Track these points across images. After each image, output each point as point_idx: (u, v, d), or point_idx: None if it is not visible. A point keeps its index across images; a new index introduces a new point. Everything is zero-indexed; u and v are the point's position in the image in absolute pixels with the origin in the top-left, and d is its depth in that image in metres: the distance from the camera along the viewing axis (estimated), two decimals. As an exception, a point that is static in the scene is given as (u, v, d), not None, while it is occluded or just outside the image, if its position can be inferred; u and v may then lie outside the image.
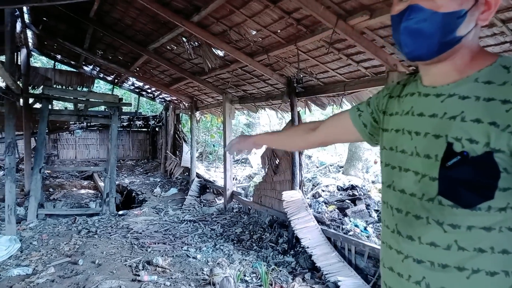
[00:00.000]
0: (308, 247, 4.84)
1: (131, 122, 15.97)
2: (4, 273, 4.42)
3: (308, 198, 6.51)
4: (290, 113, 5.89)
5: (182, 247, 5.52)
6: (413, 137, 0.94)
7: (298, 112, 5.86)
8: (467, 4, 0.83)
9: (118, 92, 12.96)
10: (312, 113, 6.02)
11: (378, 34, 3.62)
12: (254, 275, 4.53)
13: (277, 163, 6.49)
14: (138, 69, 9.22)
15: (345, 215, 5.78)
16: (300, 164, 5.80)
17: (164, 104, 12.86)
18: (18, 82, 6.82)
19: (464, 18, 0.83)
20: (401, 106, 1.03)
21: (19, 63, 8.47)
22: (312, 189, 7.75)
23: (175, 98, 10.93)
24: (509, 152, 0.79)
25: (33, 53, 10.70)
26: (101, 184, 9.78)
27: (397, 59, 3.79)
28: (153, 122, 15.77)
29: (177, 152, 11.93)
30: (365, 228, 5.23)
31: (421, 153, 0.91)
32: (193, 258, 5.06)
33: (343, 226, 5.26)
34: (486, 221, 0.83)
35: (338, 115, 1.39)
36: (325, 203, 6.42)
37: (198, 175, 10.12)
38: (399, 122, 1.01)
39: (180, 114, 12.44)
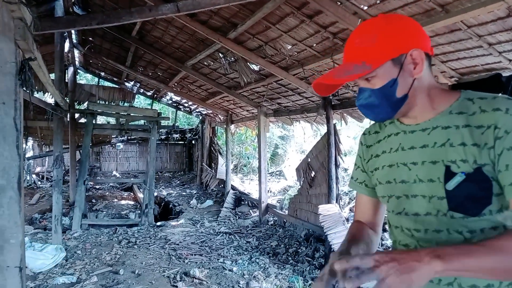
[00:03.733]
0: (345, 263, 4.72)
1: (169, 135, 16.46)
2: (50, 281, 4.64)
3: (345, 212, 6.38)
4: (325, 125, 5.85)
5: (218, 259, 5.56)
6: (410, 167, 1.10)
7: (334, 125, 5.80)
8: (394, 74, 1.01)
9: (156, 106, 13.44)
10: (348, 126, 5.95)
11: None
12: (291, 290, 4.48)
13: (312, 175, 6.43)
14: (176, 84, 9.54)
15: (385, 230, 5.59)
16: (337, 177, 5.71)
17: (200, 117, 13.16)
18: (66, 99, 7.23)
19: (396, 83, 1.02)
20: (386, 146, 1.19)
21: (66, 80, 9.02)
22: (349, 203, 7.59)
23: (211, 111, 11.17)
24: (492, 164, 0.96)
25: (79, 70, 11.37)
26: (140, 195, 10.10)
27: (438, 69, 3.69)
28: (189, 135, 16.16)
29: (213, 164, 12.12)
30: (405, 245, 5.04)
31: (424, 179, 1.06)
32: (229, 270, 5.09)
33: (383, 242, 5.10)
34: (492, 223, 1.00)
35: (360, 203, 1.36)
36: (363, 217, 6.25)
37: (233, 187, 10.20)
38: (389, 159, 1.16)
39: (216, 127, 12.67)
